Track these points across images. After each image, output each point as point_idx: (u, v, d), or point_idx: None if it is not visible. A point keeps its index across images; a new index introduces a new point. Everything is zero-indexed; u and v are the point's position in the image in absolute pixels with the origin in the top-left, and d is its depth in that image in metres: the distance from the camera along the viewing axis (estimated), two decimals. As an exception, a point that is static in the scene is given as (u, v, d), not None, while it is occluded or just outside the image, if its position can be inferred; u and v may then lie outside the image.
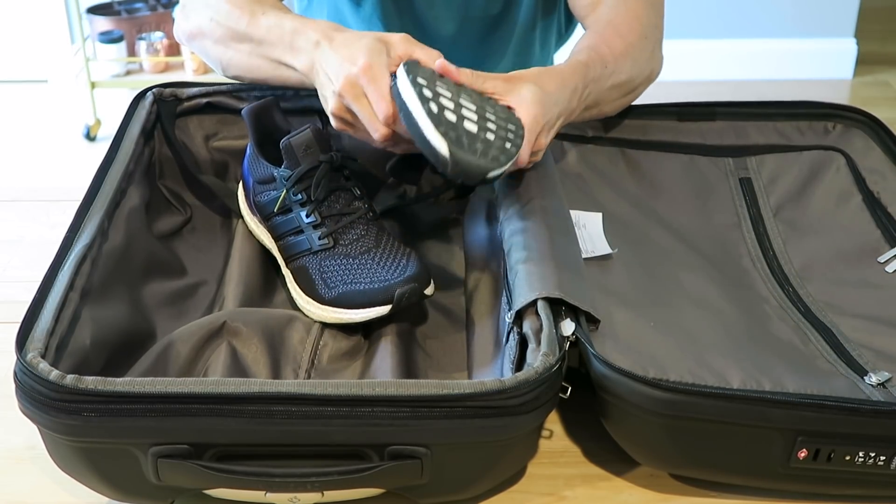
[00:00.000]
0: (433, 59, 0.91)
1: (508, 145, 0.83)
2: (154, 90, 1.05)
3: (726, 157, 1.09)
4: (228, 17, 1.01)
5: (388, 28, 1.23)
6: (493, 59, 1.28)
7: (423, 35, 1.25)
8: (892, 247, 0.96)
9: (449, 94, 0.85)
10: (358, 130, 0.92)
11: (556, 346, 0.74)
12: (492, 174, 0.81)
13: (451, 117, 0.82)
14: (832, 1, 3.45)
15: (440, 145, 0.80)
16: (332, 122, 0.93)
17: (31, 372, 0.69)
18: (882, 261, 0.95)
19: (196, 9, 1.06)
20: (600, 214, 0.96)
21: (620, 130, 1.09)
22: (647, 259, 0.94)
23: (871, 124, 1.09)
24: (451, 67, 0.90)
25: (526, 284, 0.79)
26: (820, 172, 1.06)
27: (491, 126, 0.84)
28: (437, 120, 0.81)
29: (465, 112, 0.84)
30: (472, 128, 0.82)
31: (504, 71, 1.26)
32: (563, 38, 1.34)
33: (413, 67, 0.86)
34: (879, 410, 0.73)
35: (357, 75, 0.88)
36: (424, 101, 0.82)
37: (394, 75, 0.87)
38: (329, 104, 0.92)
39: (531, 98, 0.90)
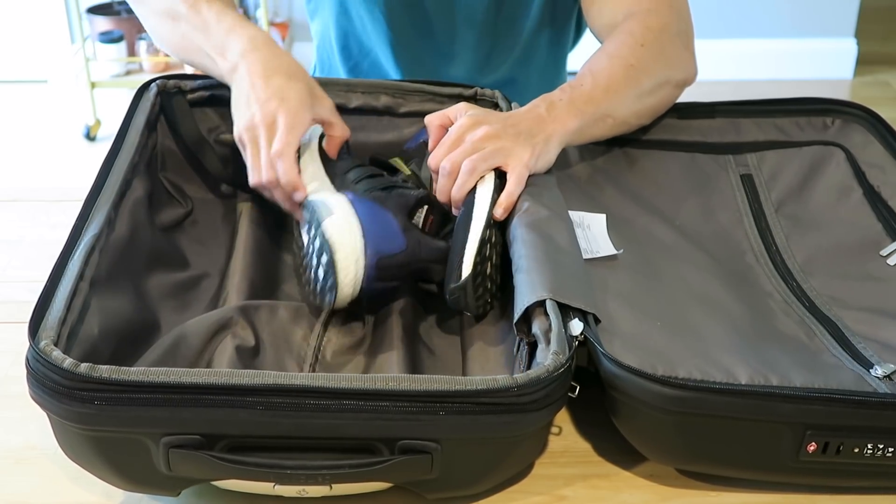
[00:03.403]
0: (345, 135, 0.96)
1: (488, 301, 0.88)
2: (158, 82, 1.05)
3: (727, 154, 1.09)
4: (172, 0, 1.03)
5: (393, 21, 1.23)
6: (497, 60, 1.28)
7: (427, 32, 1.24)
8: (894, 240, 0.97)
9: (494, 228, 0.89)
10: (246, 153, 0.94)
11: (565, 345, 0.74)
12: (465, 312, 0.88)
13: (487, 252, 0.86)
14: (832, 1, 3.46)
15: (466, 269, 0.84)
16: (235, 130, 0.95)
17: (44, 360, 0.69)
18: (884, 254, 0.96)
19: None
20: (604, 215, 0.96)
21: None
22: (652, 257, 0.94)
23: (869, 119, 1.09)
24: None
25: (520, 294, 0.80)
26: (820, 167, 1.06)
27: (495, 277, 0.88)
28: (480, 250, 0.85)
29: (494, 254, 0.87)
30: (488, 271, 0.86)
31: (507, 72, 1.27)
32: (579, 34, 1.34)
33: (499, 183, 0.90)
34: (886, 402, 0.73)
35: (278, 113, 0.91)
36: (488, 224, 0.86)
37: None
38: (242, 120, 0.94)
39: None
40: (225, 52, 0.98)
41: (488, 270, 0.86)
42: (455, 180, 0.91)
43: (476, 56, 1.26)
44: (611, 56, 1.04)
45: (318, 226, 0.85)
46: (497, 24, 1.24)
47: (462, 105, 0.97)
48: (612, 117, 1.02)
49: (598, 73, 1.02)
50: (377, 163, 1.01)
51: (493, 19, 1.24)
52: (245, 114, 0.93)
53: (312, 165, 0.94)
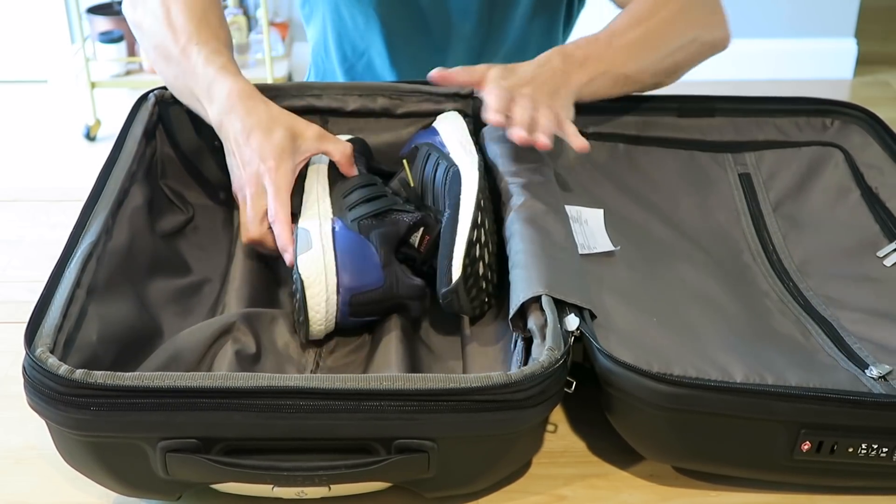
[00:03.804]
0: (345, 153, 0.94)
1: (485, 301, 0.88)
2: (156, 92, 1.06)
3: (725, 152, 1.09)
4: (165, 37, 1.01)
5: (387, 19, 1.23)
6: (491, 51, 1.28)
7: (421, 27, 1.24)
8: (891, 241, 0.97)
9: (486, 227, 0.88)
10: (245, 209, 0.95)
11: (560, 341, 0.74)
12: (461, 314, 0.87)
13: (476, 252, 0.86)
14: (832, 1, 3.46)
15: (456, 272, 0.84)
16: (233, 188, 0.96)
17: (40, 367, 0.69)
18: (881, 255, 0.96)
19: (144, 3, 1.05)
20: (602, 210, 0.96)
21: (620, 126, 1.09)
22: (649, 254, 0.94)
23: (868, 120, 1.09)
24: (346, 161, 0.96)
25: (516, 289, 0.80)
26: (818, 168, 1.07)
27: (489, 276, 0.88)
28: (468, 251, 0.84)
29: (485, 254, 0.87)
30: (480, 271, 0.86)
31: (501, 61, 1.27)
32: (570, 21, 1.34)
33: (483, 183, 0.90)
34: (881, 403, 0.73)
35: (262, 174, 0.91)
36: (475, 225, 0.86)
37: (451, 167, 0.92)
38: (233, 180, 0.95)
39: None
40: (212, 106, 0.97)
41: (481, 271, 0.86)
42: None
43: (471, 48, 1.27)
44: (632, 16, 1.07)
45: (295, 260, 0.86)
46: (492, 13, 1.24)
47: (488, 73, 1.00)
48: (626, 76, 1.05)
49: (616, 31, 1.05)
50: (377, 172, 1.01)
51: (487, 9, 1.24)
52: (234, 174, 0.95)
53: (318, 187, 0.94)
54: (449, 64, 1.27)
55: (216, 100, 0.96)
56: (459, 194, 0.89)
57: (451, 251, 0.85)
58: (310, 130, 0.94)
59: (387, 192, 0.94)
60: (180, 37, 1.00)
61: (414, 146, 1.00)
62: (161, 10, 1.02)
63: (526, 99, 0.94)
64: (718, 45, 1.11)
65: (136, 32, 1.09)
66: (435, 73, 1.02)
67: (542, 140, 0.90)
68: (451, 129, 1.00)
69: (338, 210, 0.91)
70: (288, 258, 0.88)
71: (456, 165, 0.92)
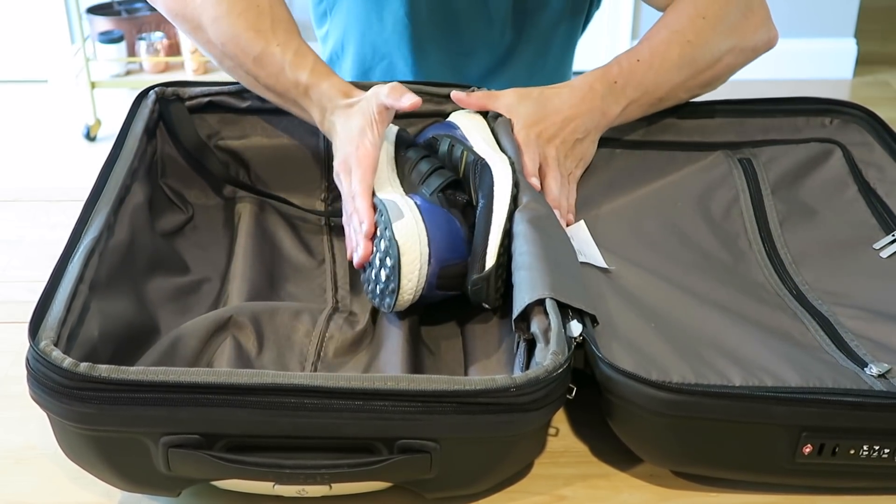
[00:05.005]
0: (415, 103, 0.93)
1: (502, 294, 0.87)
2: (156, 89, 1.06)
3: (725, 150, 1.09)
4: (238, 38, 1.00)
5: (418, 22, 1.22)
6: (516, 55, 1.27)
7: (453, 30, 1.23)
8: (888, 234, 0.97)
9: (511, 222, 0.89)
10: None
11: (564, 346, 0.74)
12: (484, 304, 0.87)
13: (507, 243, 0.86)
14: (832, 1, 3.46)
15: (490, 260, 0.85)
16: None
17: (44, 360, 0.69)
18: (878, 247, 0.96)
19: None
20: (582, 221, 0.97)
21: (619, 131, 1.09)
22: (646, 257, 0.94)
23: (868, 119, 1.09)
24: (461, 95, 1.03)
25: (520, 291, 0.80)
26: (817, 162, 1.07)
27: (509, 269, 0.87)
28: (502, 240, 0.85)
29: (510, 246, 0.87)
30: (505, 263, 0.86)
31: (523, 66, 1.26)
32: (588, 23, 1.34)
33: (517, 178, 0.91)
34: (883, 404, 0.73)
35: (351, 165, 0.93)
36: (509, 216, 0.87)
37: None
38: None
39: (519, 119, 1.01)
40: (312, 106, 0.99)
41: (506, 263, 0.86)
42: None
43: (497, 52, 1.26)
44: (671, 30, 1.07)
45: (387, 227, 0.86)
46: (525, 17, 1.24)
47: (507, 101, 1.02)
48: (661, 98, 1.07)
49: (656, 48, 1.06)
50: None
51: (520, 13, 1.23)
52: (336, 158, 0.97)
53: (387, 168, 0.95)
54: (473, 68, 1.26)
55: (317, 102, 0.98)
56: (493, 185, 0.89)
57: (487, 239, 0.85)
58: (368, 104, 0.94)
59: (443, 166, 0.95)
60: (258, 40, 0.99)
61: (432, 137, 1.00)
62: (224, 8, 1.00)
63: (556, 172, 0.99)
64: (760, 49, 1.11)
65: (182, 27, 1.05)
66: (454, 95, 1.04)
67: (569, 218, 0.98)
68: (473, 127, 1.01)
69: (409, 187, 0.92)
70: (367, 228, 0.88)
71: (483, 159, 0.92)
